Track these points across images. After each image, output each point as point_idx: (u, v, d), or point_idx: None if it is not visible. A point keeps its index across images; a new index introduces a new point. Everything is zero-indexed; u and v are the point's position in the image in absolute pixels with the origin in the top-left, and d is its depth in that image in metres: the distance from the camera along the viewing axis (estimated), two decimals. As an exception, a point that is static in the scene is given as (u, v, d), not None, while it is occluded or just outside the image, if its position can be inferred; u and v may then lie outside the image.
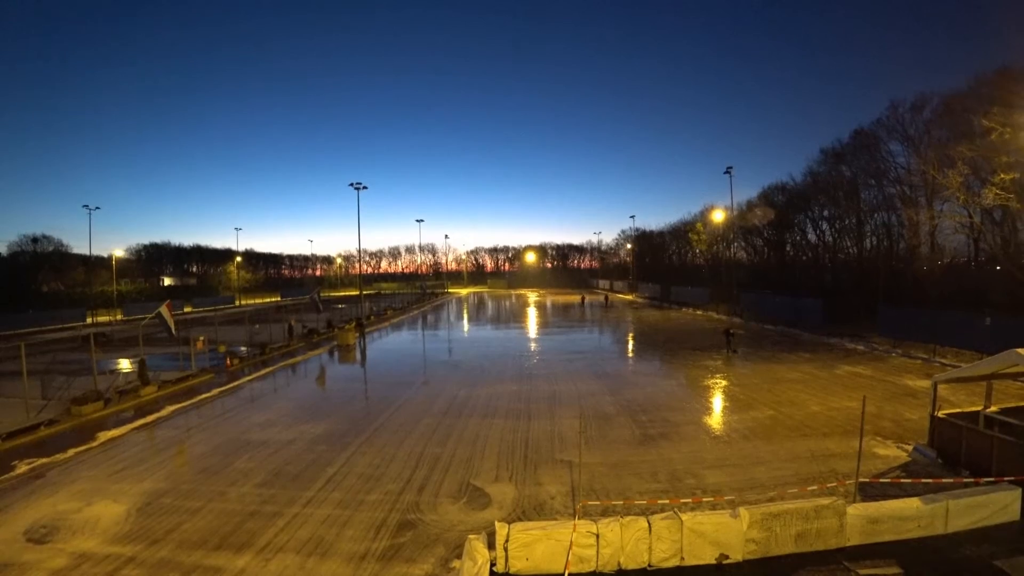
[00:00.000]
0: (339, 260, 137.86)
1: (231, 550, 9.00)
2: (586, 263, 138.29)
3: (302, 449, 14.00)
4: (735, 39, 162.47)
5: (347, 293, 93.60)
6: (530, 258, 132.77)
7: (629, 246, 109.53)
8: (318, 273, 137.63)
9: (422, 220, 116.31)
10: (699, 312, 49.19)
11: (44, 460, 13.83)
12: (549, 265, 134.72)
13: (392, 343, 36.02)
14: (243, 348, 29.79)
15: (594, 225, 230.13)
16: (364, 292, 63.79)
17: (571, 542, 7.69)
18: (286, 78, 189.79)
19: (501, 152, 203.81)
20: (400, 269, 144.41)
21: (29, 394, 18.75)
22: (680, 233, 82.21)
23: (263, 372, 25.04)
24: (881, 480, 10.76)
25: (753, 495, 9.96)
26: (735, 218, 60.83)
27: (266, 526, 9.80)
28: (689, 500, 9.59)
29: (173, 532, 9.71)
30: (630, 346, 31.20)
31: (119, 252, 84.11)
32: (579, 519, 8.07)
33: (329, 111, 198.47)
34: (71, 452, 14.43)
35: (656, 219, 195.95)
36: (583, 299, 55.65)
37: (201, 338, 28.54)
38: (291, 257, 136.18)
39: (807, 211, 52.62)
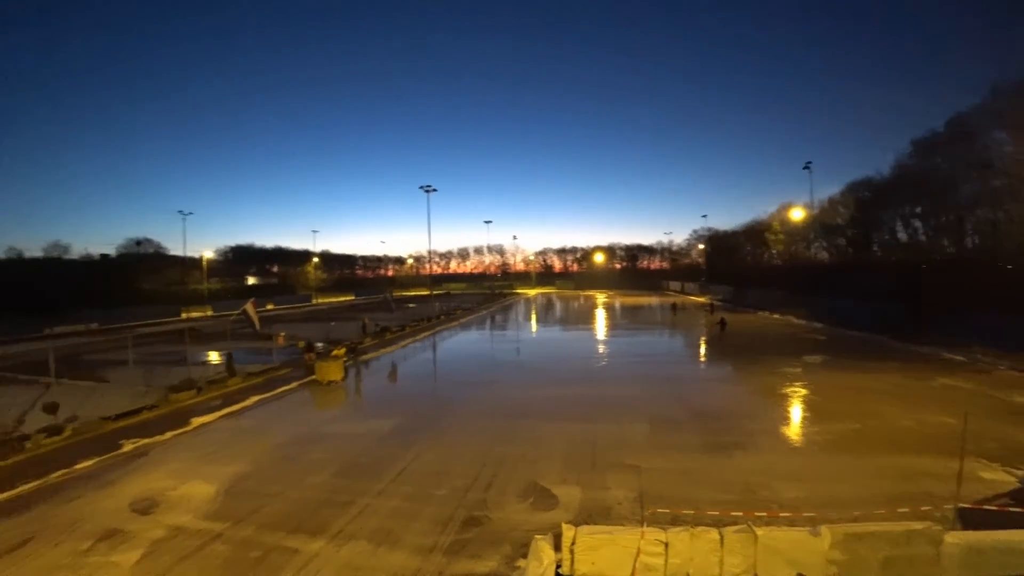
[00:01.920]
0: (410, 261, 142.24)
1: (307, 534, 9.55)
2: (656, 264, 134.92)
3: (373, 443, 14.58)
4: (811, 25, 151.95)
5: (417, 293, 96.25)
6: (598, 259, 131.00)
7: (701, 246, 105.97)
8: (390, 273, 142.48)
9: (490, 221, 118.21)
10: (775, 316, 46.50)
11: (146, 440, 15.22)
12: (618, 266, 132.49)
13: (460, 342, 36.73)
14: (319, 344, 31.32)
15: (664, 225, 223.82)
16: (434, 292, 65.24)
17: (638, 549, 7.56)
18: (358, 84, 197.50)
19: (570, 152, 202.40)
20: (468, 270, 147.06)
21: (133, 381, 20.67)
22: (754, 232, 78.33)
23: (350, 363, 26.17)
24: (985, 507, 9.70)
25: (834, 513, 9.31)
26: (815, 216, 57.33)
27: (339, 514, 10.32)
28: (764, 514, 9.08)
29: (255, 513, 10.43)
30: (701, 350, 30.14)
31: (209, 253, 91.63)
32: (647, 526, 7.88)
33: (400, 115, 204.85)
34: (169, 435, 15.78)
35: (729, 218, 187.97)
36: (675, 305, 52.76)
37: (282, 334, 30.43)
38: (364, 258, 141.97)
39: (896, 208, 48.49)
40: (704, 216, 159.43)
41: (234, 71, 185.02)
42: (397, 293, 72.38)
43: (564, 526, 7.95)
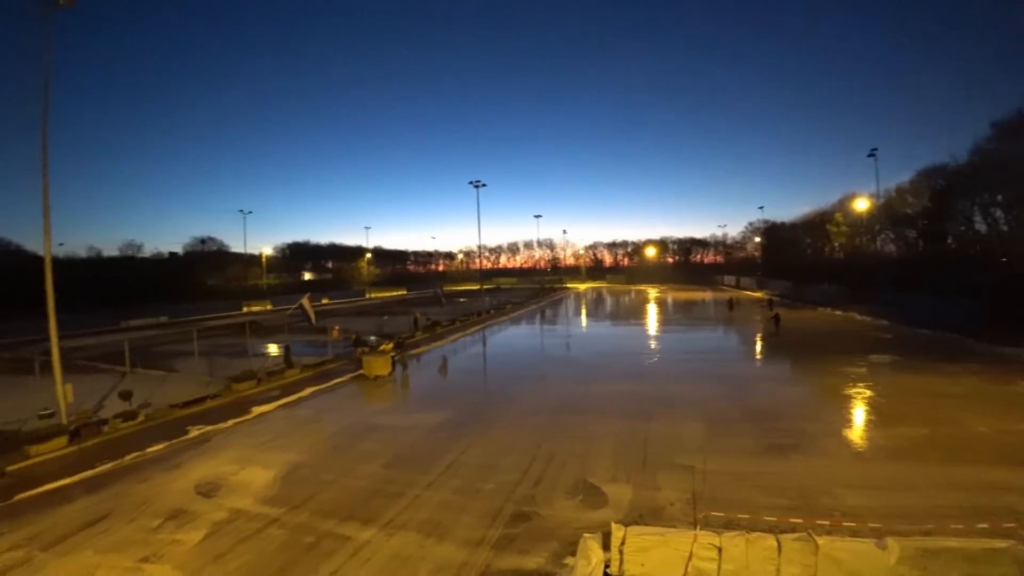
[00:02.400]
0: (460, 256, 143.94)
1: (358, 522, 9.82)
2: (710, 258, 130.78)
3: (423, 435, 14.83)
4: (874, 4, 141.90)
5: (467, 287, 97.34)
6: (650, 253, 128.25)
7: (757, 239, 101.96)
8: (440, 268, 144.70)
9: (540, 215, 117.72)
10: (837, 312, 44.05)
11: (209, 427, 16.04)
12: (670, 260, 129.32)
13: (509, 337, 36.84)
14: (372, 338, 32.12)
15: (718, 217, 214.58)
16: (484, 287, 65.74)
17: (691, 553, 7.34)
18: (410, 83, 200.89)
19: (621, 144, 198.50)
20: (518, 264, 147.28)
21: (198, 371, 21.81)
22: (814, 224, 74.02)
23: (405, 355, 26.74)
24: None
25: (902, 525, 8.68)
26: (881, 206, 53.87)
27: (389, 504, 10.56)
28: (826, 522, 8.63)
29: (310, 500, 10.81)
30: (757, 347, 28.93)
31: (268, 250, 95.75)
32: (700, 529, 7.64)
33: (450, 112, 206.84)
34: (230, 422, 16.57)
35: (787, 210, 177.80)
36: (731, 301, 49.87)
37: (336, 328, 31.32)
38: (415, 253, 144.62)
39: (975, 196, 44.38)
40: (760, 208, 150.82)
41: (291, 76, 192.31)
42: (447, 288, 73.34)
43: (614, 525, 7.81)
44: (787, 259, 78.68)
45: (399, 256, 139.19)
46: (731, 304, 48.15)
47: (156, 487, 11.80)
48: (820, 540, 7.21)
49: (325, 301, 72.85)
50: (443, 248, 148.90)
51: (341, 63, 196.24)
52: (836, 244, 69.16)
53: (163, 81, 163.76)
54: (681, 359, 24.98)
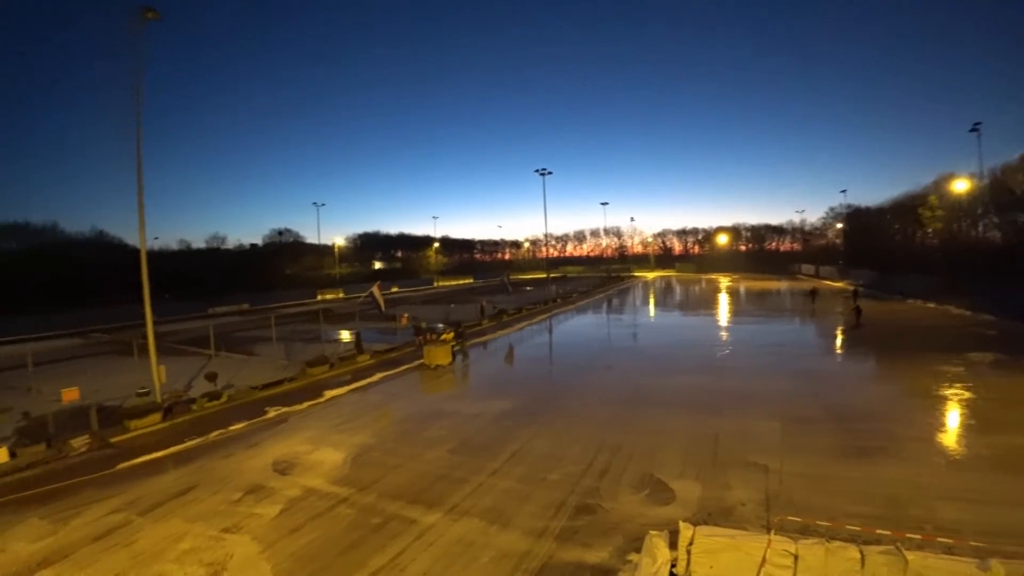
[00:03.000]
0: (526, 244, 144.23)
1: (424, 505, 10.05)
2: (786, 246, 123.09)
3: (488, 423, 14.97)
4: None
5: (534, 276, 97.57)
6: (722, 240, 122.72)
7: (839, 225, 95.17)
8: (507, 257, 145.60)
9: (607, 203, 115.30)
10: (930, 305, 40.19)
11: (286, 409, 16.93)
12: (743, 248, 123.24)
13: (576, 326, 36.51)
14: (440, 325, 32.78)
15: (796, 202, 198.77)
16: (550, 275, 65.55)
17: (764, 559, 6.91)
18: (475, 73, 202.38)
19: (691, 127, 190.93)
20: (585, 253, 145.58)
21: (276, 356, 23.05)
22: (905, 208, 67.33)
23: (457, 348, 27.20)
24: None
25: (1008, 545, 7.58)
26: (985, 188, 48.44)
27: (454, 489, 10.72)
28: (917, 536, 7.79)
29: (378, 482, 11.19)
30: (838, 341, 26.98)
31: (340, 241, 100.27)
32: (774, 534, 7.18)
33: (516, 101, 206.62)
34: (305, 404, 17.41)
35: (873, 193, 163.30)
36: (814, 291, 45.81)
37: (405, 315, 32.23)
38: (482, 242, 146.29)
39: None
40: (843, 191, 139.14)
41: (360, 72, 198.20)
42: (514, 276, 73.64)
43: (682, 524, 7.52)
44: (873, 246, 72.46)
45: (466, 245, 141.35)
46: (813, 294, 44.43)
47: (237, 463, 12.61)
48: (910, 555, 6.55)
49: (394, 289, 75.20)
50: (509, 237, 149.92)
51: (408, 56, 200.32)
52: (930, 230, 62.82)
53: (244, 85, 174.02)
54: (755, 352, 23.76)
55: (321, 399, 18.21)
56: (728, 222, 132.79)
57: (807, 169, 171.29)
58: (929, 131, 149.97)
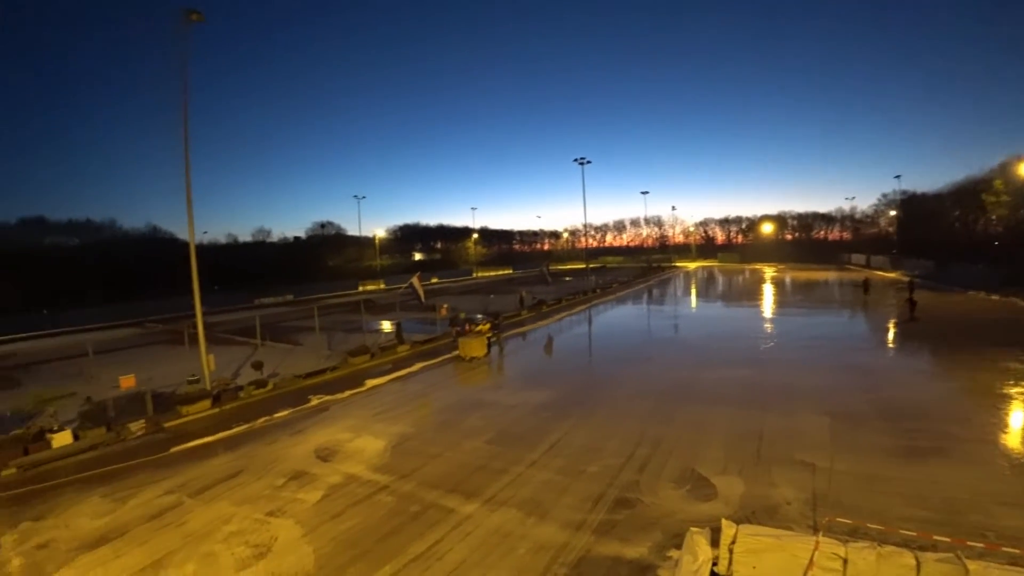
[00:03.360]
0: (565, 234, 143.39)
1: (462, 495, 10.14)
2: (835, 234, 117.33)
3: (527, 413, 14.98)
4: None
5: (573, 266, 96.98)
6: (766, 229, 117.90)
7: (892, 213, 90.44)
8: (546, 247, 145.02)
9: (647, 192, 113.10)
10: (993, 297, 37.45)
11: (328, 397, 17.37)
12: (789, 237, 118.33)
13: (615, 317, 36.08)
14: (479, 316, 32.95)
15: (846, 189, 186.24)
16: (589, 265, 64.96)
17: (811, 561, 6.62)
18: (512, 62, 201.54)
19: (734, 112, 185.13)
20: (625, 243, 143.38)
21: (319, 345, 23.66)
22: (965, 194, 62.70)
23: (501, 336, 27.29)
24: None
25: None
26: None
27: (492, 480, 10.78)
28: (979, 544, 7.19)
29: (417, 471, 11.35)
30: (891, 335, 25.61)
31: (380, 233, 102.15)
32: (822, 536, 6.85)
33: (553, 90, 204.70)
34: (347, 393, 17.82)
35: (930, 178, 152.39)
36: (866, 282, 42.41)
37: (444, 306, 32.54)
38: (521, 233, 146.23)
39: None
40: (897, 177, 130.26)
41: (401, 64, 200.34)
42: (553, 267, 73.33)
43: (724, 522, 7.31)
44: (929, 235, 68.22)
45: (505, 236, 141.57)
46: (865, 285, 41.77)
47: (281, 449, 13.01)
48: (971, 565, 6.11)
49: (434, 280, 76.08)
50: (548, 227, 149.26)
51: (447, 48, 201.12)
52: (993, 217, 58.71)
53: (287, 82, 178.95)
54: (801, 345, 22.81)
55: (362, 388, 18.60)
56: (773, 210, 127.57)
57: (858, 154, 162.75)
58: (994, 110, 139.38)
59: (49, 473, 12.22)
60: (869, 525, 7.67)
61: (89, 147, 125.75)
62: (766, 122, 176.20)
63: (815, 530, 7.89)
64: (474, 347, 22.54)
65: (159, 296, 46.26)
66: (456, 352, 23.26)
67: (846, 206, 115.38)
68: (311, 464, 12.01)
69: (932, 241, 64.49)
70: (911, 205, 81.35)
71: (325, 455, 12.51)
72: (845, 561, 6.55)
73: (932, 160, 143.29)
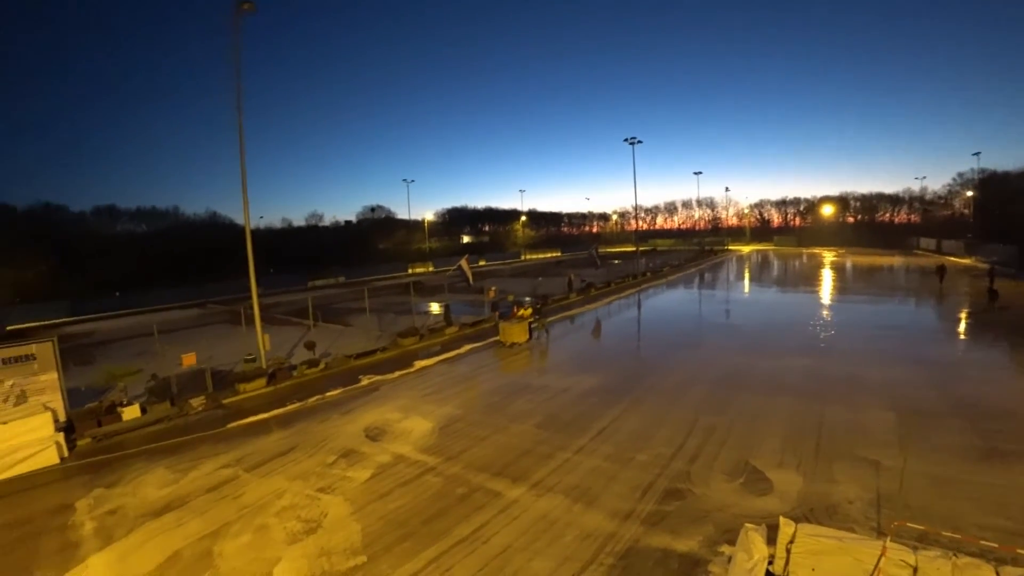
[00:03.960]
0: (615, 217, 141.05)
1: (508, 479, 10.15)
2: (902, 217, 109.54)
3: (575, 398, 14.84)
4: None
5: (622, 249, 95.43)
6: (827, 211, 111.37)
7: (968, 193, 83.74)
8: (594, 230, 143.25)
9: (700, 172, 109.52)
10: None
11: (378, 377, 17.75)
12: (851, 220, 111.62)
13: (666, 301, 35.23)
14: (527, 298, 32.91)
15: (916, 168, 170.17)
16: (639, 248, 63.71)
17: (878, 568, 6.21)
18: (561, 41, 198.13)
19: (791, 89, 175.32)
20: (676, 225, 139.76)
21: (369, 326, 24.16)
22: None
23: (544, 322, 27.16)
24: None
25: None
26: None
27: (539, 465, 10.74)
28: None
29: (464, 453, 11.44)
30: (968, 327, 23.46)
31: (429, 216, 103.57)
32: (890, 541, 6.36)
33: (603, 69, 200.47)
34: (396, 374, 18.16)
35: (1012, 156, 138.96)
36: (942, 268, 38.07)
37: (493, 288, 32.61)
38: (569, 215, 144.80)
39: None
40: (976, 154, 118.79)
41: (448, 49, 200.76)
42: (602, 249, 72.22)
43: (783, 520, 6.98)
44: (1011, 219, 63.00)
45: (553, 218, 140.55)
46: (941, 272, 37.99)
47: (332, 428, 13.39)
48: None
49: (482, 263, 76.53)
50: (597, 209, 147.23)
51: (495, 31, 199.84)
52: None
53: (337, 70, 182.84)
54: (866, 335, 21.41)
55: (411, 369, 18.89)
56: (834, 191, 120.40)
57: (930, 129, 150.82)
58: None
59: (119, 444, 13.01)
60: (941, 532, 7.10)
61: (154, 139, 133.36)
62: (828, 97, 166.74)
63: (880, 534, 7.46)
64: (515, 332, 22.17)
65: (219, 279, 48.43)
66: (497, 337, 23.10)
67: (915, 186, 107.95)
68: (361, 443, 12.30)
69: (1014, 225, 59.48)
70: (990, 185, 75.19)
71: (374, 434, 12.79)
72: (915, 570, 6.15)
73: (1015, 136, 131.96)
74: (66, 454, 12.34)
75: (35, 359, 13.34)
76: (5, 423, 11.81)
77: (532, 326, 23.31)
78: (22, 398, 13.06)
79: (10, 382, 12.94)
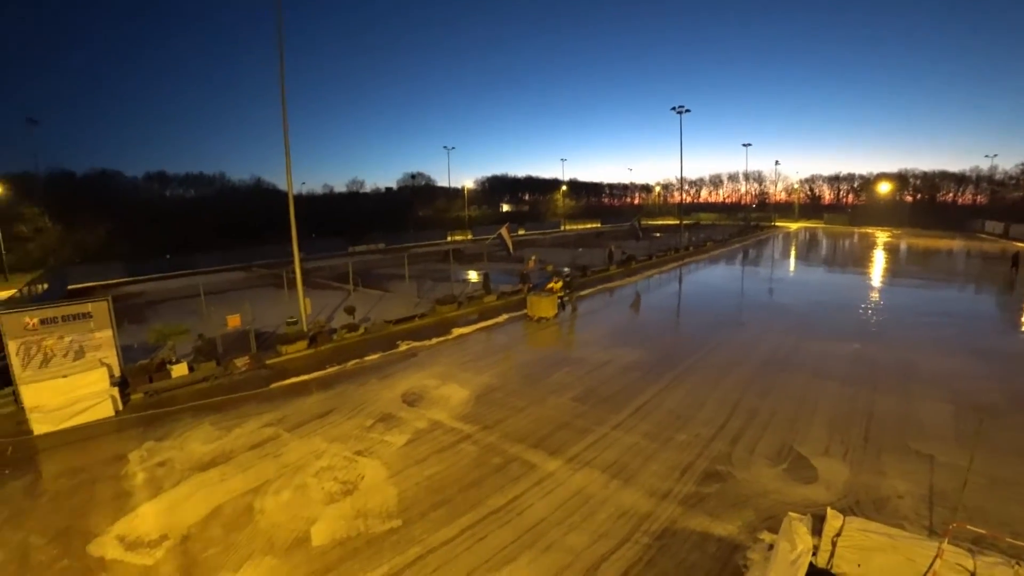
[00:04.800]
0: (657, 188, 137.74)
1: (545, 452, 10.12)
2: (967, 198, 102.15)
3: (615, 373, 14.64)
4: None
5: (664, 222, 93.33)
6: (883, 189, 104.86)
7: None
8: (636, 202, 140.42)
9: (749, 144, 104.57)
10: None
11: (416, 344, 17.94)
12: (909, 199, 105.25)
13: (709, 277, 34.32)
14: (566, 269, 32.61)
15: (986, 144, 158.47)
16: (682, 222, 62.10)
17: (932, 570, 5.90)
18: (605, 8, 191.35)
19: (848, 58, 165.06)
20: (721, 199, 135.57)
21: (408, 293, 24.38)
22: None
23: (583, 293, 26.92)
24: None
25: None
26: None
27: (576, 438, 10.67)
28: None
29: (501, 423, 11.46)
30: None
31: (469, 184, 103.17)
32: (947, 543, 6.02)
33: (649, 35, 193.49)
34: (434, 340, 18.32)
35: None
36: (1016, 258, 33.66)
37: (533, 257, 32.39)
38: (610, 186, 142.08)
39: None
40: None
41: (489, 15, 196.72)
42: (644, 222, 70.71)
43: (830, 512, 6.70)
44: None
45: (594, 188, 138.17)
46: (1015, 262, 34.38)
47: (371, 392, 13.61)
48: None
49: (521, 232, 76.07)
50: (639, 180, 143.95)
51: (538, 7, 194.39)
52: None
53: (379, 36, 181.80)
54: (923, 322, 20.18)
55: (449, 336, 19.01)
56: (892, 168, 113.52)
57: (1002, 103, 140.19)
58: None
59: (169, 400, 13.56)
60: (1000, 536, 6.68)
61: (202, 107, 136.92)
62: (888, 68, 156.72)
63: (933, 533, 7.10)
64: (543, 306, 21.22)
65: (264, 243, 49.65)
66: (524, 311, 22.41)
67: (984, 165, 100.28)
68: (398, 408, 12.46)
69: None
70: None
71: (412, 400, 12.94)
72: (972, 575, 5.82)
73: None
74: (120, 408, 12.95)
75: (91, 317, 13.94)
76: (66, 376, 12.44)
77: (563, 300, 22.74)
78: (80, 354, 13.73)
79: (69, 338, 13.58)
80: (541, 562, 7.06)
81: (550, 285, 22.87)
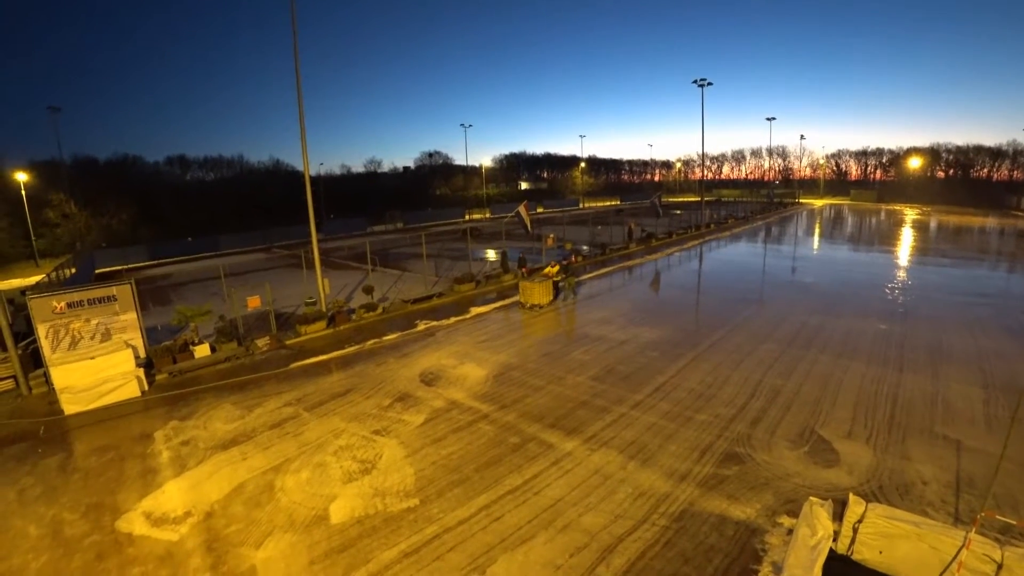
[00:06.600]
0: (678, 164, 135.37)
1: (562, 431, 10.10)
2: (1002, 174, 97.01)
3: (634, 352, 14.52)
4: None
5: (685, 199, 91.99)
6: (913, 164, 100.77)
7: None
8: (656, 178, 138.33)
9: (773, 118, 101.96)
10: None
11: (434, 323, 18.01)
12: (941, 175, 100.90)
13: (731, 255, 33.73)
14: (585, 247, 32.33)
15: (1021, 117, 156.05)
16: (704, 198, 60.97)
17: (958, 560, 5.74)
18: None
19: (875, 26, 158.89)
20: (743, 175, 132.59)
21: (426, 272, 24.42)
22: None
23: (602, 272, 26.72)
24: None
25: None
26: None
27: (594, 418, 10.62)
28: None
29: (518, 403, 11.45)
30: None
31: (487, 162, 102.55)
32: (974, 531, 5.84)
33: (671, 5, 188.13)
34: (452, 320, 18.35)
35: None
36: None
37: (551, 236, 32.09)
38: (630, 162, 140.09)
39: None
40: None
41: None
42: (664, 199, 69.70)
43: (853, 497, 6.56)
44: None
45: (613, 165, 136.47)
46: None
47: (389, 371, 13.70)
48: None
49: (540, 209, 75.64)
50: (660, 157, 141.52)
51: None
52: None
53: (396, 16, 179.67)
54: (953, 302, 19.51)
55: (467, 315, 19.02)
56: (924, 142, 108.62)
57: None
58: None
59: (192, 380, 13.82)
60: None
61: (220, 91, 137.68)
62: (921, 36, 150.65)
63: (961, 522, 6.92)
64: (536, 293, 19.77)
65: (283, 223, 50.09)
66: (517, 298, 20.94)
67: (1022, 138, 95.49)
68: (416, 387, 12.53)
69: None
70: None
71: (429, 379, 13.00)
72: (1000, 566, 5.64)
73: None
74: (146, 388, 13.25)
75: (116, 300, 14.22)
76: (93, 358, 12.75)
77: (560, 285, 21.63)
78: (107, 335, 14.06)
79: (95, 321, 13.89)
80: (558, 542, 7.06)
81: (546, 270, 21.80)
